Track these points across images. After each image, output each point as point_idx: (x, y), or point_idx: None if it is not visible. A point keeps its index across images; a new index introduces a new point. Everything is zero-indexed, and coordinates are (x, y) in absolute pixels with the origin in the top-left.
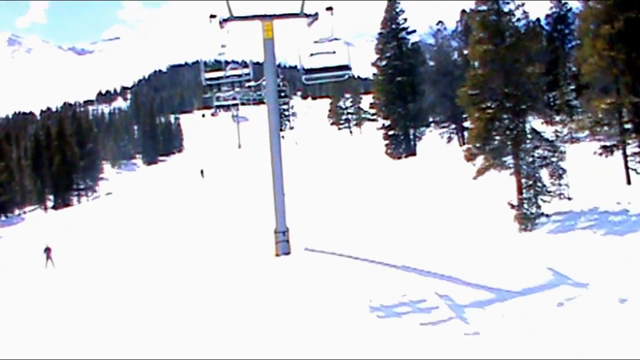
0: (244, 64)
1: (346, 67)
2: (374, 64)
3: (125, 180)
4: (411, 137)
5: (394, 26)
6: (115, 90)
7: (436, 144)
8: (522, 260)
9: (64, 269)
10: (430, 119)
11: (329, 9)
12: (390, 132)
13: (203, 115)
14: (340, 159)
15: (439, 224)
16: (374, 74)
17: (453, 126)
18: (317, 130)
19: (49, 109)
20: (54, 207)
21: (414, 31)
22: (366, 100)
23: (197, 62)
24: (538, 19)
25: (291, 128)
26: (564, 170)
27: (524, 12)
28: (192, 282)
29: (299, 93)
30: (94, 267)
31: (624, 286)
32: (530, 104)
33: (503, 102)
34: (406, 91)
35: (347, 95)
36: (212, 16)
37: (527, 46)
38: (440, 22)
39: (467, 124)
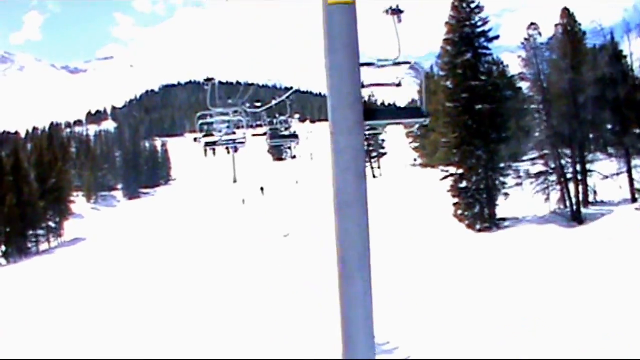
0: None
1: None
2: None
3: (102, 218)
4: (493, 193)
5: (467, 29)
6: (105, 111)
7: (525, 201)
8: None
9: None
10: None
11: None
12: (463, 185)
13: (195, 140)
14: (386, 225)
15: None
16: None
17: (552, 178)
18: (324, 163)
19: (35, 129)
20: (5, 256)
21: (498, 37)
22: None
23: (190, 82)
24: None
25: (293, 157)
26: None
27: None
28: None
29: (296, 116)
30: None
31: None
32: None
33: None
34: (489, 125)
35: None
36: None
37: None
38: (532, 24)
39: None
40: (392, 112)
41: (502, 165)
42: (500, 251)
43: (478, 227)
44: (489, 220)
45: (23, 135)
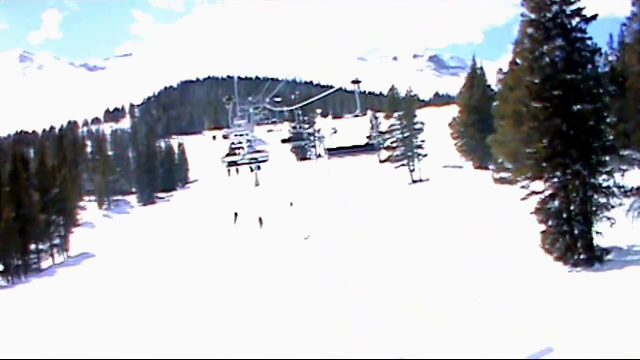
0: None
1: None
2: (505, 74)
3: (114, 228)
4: (591, 217)
5: (555, 7)
6: (123, 108)
7: (624, 225)
8: None
9: None
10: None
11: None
12: (553, 206)
13: (214, 138)
14: (452, 251)
15: None
16: (504, 96)
17: None
18: (353, 168)
19: (52, 128)
20: (3, 275)
21: (595, 17)
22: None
23: (209, 78)
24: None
25: (318, 156)
26: None
27: None
28: None
29: (318, 111)
30: None
31: None
32: None
33: None
34: (589, 130)
35: (399, 114)
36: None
37: None
38: None
39: None
40: None
41: (603, 181)
42: (614, 301)
43: (571, 260)
44: (586, 252)
45: (40, 134)
